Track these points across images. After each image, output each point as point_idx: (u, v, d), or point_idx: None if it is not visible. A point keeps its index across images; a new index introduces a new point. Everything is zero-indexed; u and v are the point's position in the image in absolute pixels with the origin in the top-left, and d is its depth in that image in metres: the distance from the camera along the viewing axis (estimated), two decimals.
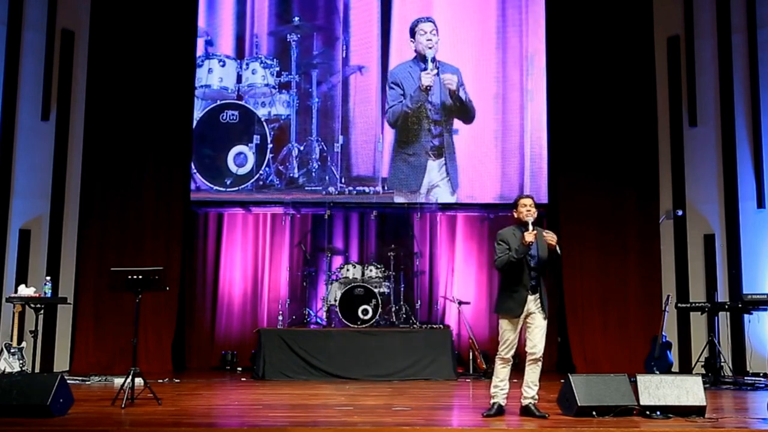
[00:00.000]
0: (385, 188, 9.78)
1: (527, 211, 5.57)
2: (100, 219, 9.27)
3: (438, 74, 9.84)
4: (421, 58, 9.89)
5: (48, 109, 9.29)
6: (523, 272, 5.52)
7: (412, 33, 9.93)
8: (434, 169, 9.79)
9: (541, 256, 5.56)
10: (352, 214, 10.24)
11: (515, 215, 5.70)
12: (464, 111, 9.85)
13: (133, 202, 9.35)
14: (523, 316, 5.52)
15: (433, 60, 9.84)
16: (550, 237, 5.45)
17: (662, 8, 9.80)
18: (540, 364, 5.56)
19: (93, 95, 9.46)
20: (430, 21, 9.96)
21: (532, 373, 5.56)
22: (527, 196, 5.71)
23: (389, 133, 9.88)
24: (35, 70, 9.25)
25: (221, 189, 9.79)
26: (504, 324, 5.58)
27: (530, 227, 5.50)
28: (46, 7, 9.34)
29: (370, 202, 9.84)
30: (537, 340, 5.52)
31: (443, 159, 9.77)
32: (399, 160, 9.82)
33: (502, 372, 5.59)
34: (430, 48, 9.85)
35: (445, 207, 9.94)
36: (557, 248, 5.43)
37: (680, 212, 9.39)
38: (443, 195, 9.77)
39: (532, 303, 5.53)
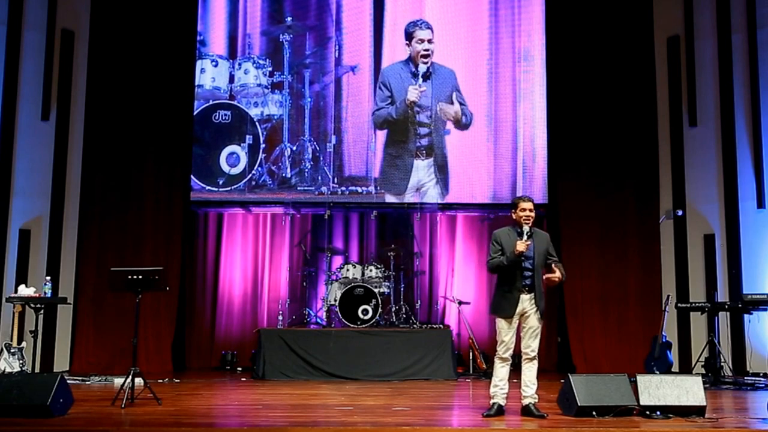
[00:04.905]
0: (378, 188, 9.75)
1: (526, 217, 5.56)
2: (100, 219, 9.26)
3: (429, 86, 9.72)
4: (414, 63, 9.83)
5: (48, 109, 9.28)
6: (516, 273, 5.54)
7: (408, 36, 9.87)
8: (422, 169, 9.74)
9: (537, 257, 5.57)
10: (352, 214, 10.24)
11: (513, 216, 5.69)
12: (457, 119, 9.78)
13: (133, 201, 9.34)
14: (517, 315, 5.54)
15: (424, 74, 9.75)
16: (556, 277, 5.53)
17: (662, 8, 9.81)
18: (535, 362, 5.60)
19: (93, 95, 9.46)
20: (429, 27, 9.86)
21: (529, 372, 5.58)
22: (528, 199, 5.65)
23: (381, 133, 9.86)
24: (35, 70, 9.24)
25: (213, 189, 9.78)
26: (500, 324, 5.60)
27: (525, 236, 5.50)
28: (46, 7, 9.33)
29: (370, 202, 9.82)
30: (531, 341, 5.57)
31: (432, 159, 9.74)
32: (387, 161, 9.80)
33: (501, 372, 5.61)
34: (425, 61, 9.74)
35: (445, 207, 9.93)
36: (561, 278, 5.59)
37: (680, 212, 9.39)
38: (432, 195, 9.72)
39: (528, 303, 5.54)
